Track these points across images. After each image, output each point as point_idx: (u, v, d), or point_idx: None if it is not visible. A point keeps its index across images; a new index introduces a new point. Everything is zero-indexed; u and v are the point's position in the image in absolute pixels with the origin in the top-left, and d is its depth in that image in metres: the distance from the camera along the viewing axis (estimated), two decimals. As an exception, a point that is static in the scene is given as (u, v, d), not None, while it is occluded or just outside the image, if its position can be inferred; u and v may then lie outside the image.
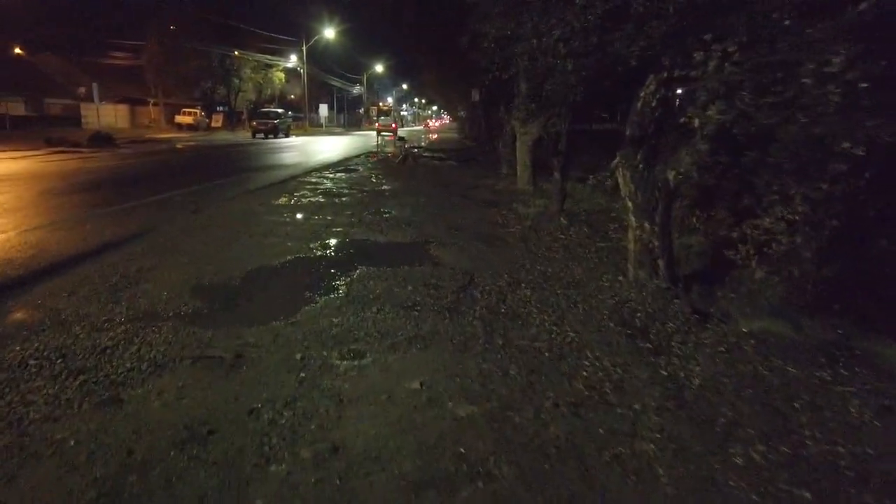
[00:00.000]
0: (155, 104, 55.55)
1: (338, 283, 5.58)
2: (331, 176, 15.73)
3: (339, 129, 69.89)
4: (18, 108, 47.14)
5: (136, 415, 3.04)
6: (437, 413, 3.07)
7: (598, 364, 3.73)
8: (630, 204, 5.52)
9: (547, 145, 14.52)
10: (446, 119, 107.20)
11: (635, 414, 3.06)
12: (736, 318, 4.74)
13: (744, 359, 3.85)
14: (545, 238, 7.99)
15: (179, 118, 52.17)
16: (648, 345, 4.08)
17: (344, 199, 11.45)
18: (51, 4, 53.85)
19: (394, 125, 50.80)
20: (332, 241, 7.45)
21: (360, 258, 6.58)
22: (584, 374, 3.58)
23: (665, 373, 3.59)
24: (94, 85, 32.91)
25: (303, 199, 11.10)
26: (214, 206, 9.94)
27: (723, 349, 4.03)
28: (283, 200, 10.90)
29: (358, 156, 24.40)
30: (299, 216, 9.26)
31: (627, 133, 5.57)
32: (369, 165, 19.60)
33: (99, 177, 14.05)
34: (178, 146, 28.91)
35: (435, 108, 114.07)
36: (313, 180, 14.53)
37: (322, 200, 11.09)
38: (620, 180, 5.59)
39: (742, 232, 5.42)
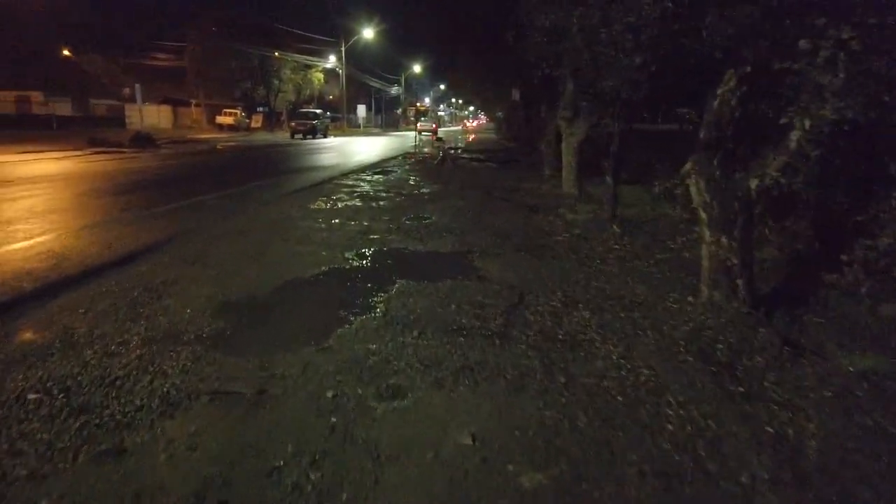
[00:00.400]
0: (197, 105, 56.36)
1: (374, 300, 5.07)
2: (368, 178, 15.32)
3: (376, 130, 69.92)
4: (65, 109, 48.29)
5: (137, 473, 2.57)
6: (495, 482, 2.51)
7: (683, 413, 3.12)
8: (704, 215, 4.87)
9: (594, 147, 13.85)
10: (483, 119, 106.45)
11: (745, 491, 2.45)
12: (834, 351, 4.07)
13: (861, 409, 3.20)
14: (598, 248, 7.36)
15: (220, 119, 52.78)
16: (739, 388, 3.45)
17: (381, 202, 10.98)
18: (96, 5, 54.98)
19: (434, 126, 53.19)
20: (369, 251, 6.96)
21: (398, 270, 6.07)
22: (670, 426, 2.99)
23: (770, 429, 2.96)
24: (137, 86, 33.22)
25: (339, 203, 10.67)
26: (249, 211, 9.57)
27: (830, 394, 3.38)
28: (319, 204, 10.48)
29: (395, 157, 24.00)
30: (335, 221, 8.80)
31: (701, 136, 4.92)
32: (407, 167, 19.16)
33: (136, 178, 13.89)
34: (218, 147, 28.98)
35: (472, 108, 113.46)
36: (350, 183, 14.12)
37: (359, 204, 10.64)
38: (693, 189, 4.95)
39: (846, 249, 4.72)
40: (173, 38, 56.22)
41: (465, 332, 4.32)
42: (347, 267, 6.20)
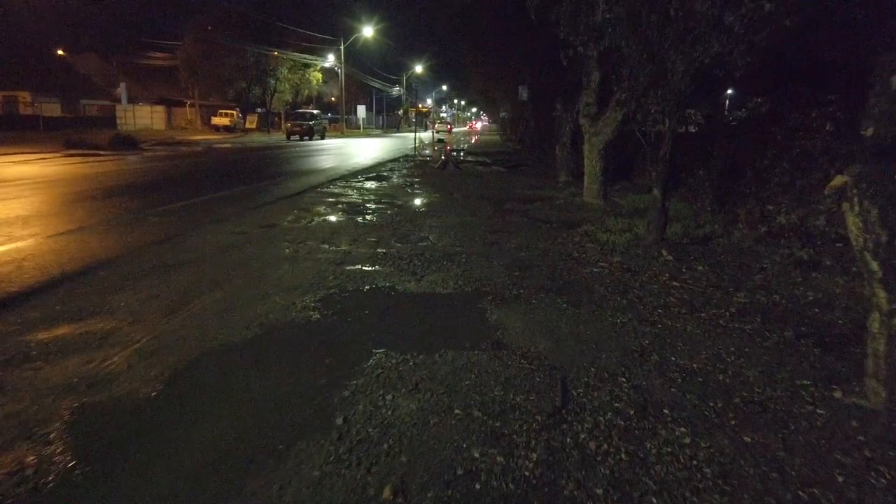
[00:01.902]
0: (191, 105, 54.59)
1: (328, 398, 3.15)
2: (359, 185, 13.40)
3: (377, 132, 68.15)
4: (54, 110, 46.53)
5: None
6: None
7: None
8: (875, 265, 2.94)
9: (618, 149, 11.92)
10: (486, 121, 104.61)
11: None
12: None
13: None
14: (652, 287, 5.45)
15: (216, 120, 51.01)
16: None
17: (369, 217, 9.06)
18: (92, 3, 53.28)
19: (449, 126, 62.48)
20: (340, 294, 5.05)
21: (376, 331, 4.16)
22: None
23: None
24: (122, 85, 31.61)
25: (317, 219, 8.76)
26: (201, 230, 7.66)
27: None
28: (292, 220, 8.57)
29: (394, 160, 22.10)
30: (305, 245, 6.90)
31: (868, 133, 2.99)
32: (405, 172, 17.25)
33: (92, 186, 12.00)
34: (207, 149, 27.16)
35: (475, 109, 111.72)
36: (337, 191, 12.21)
37: (341, 220, 8.73)
38: (851, 219, 3.02)
39: None
40: (170, 36, 54.55)
41: (480, 478, 2.41)
42: (300, 325, 4.28)
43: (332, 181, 14.01)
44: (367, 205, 10.34)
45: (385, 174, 16.23)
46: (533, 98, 22.06)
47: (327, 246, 6.85)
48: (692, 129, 19.02)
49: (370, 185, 13.51)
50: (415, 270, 5.86)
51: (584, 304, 4.91)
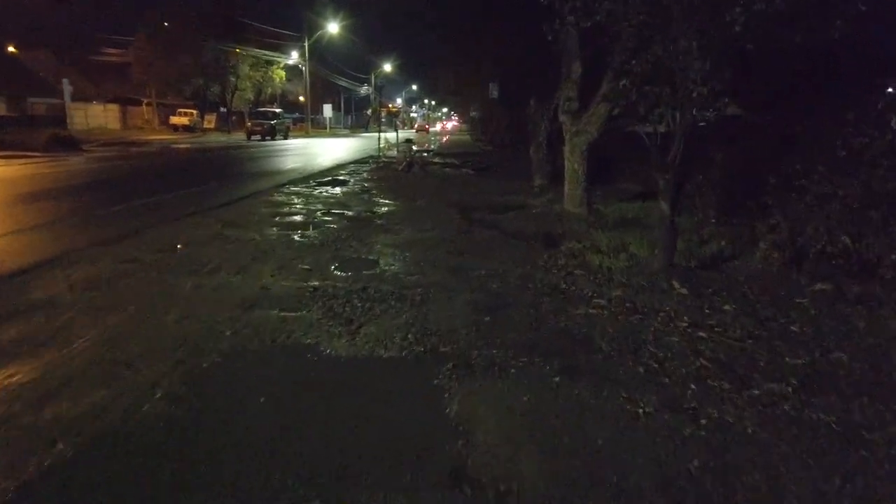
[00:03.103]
0: (148, 104, 52.00)
1: None
2: (310, 191, 11.78)
3: (344, 132, 66.24)
4: (-1, 108, 43.69)
5: None
6: None
7: None
8: None
9: (601, 150, 10.52)
10: (457, 121, 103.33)
11: None
12: None
13: None
14: (671, 340, 4.01)
15: (174, 119, 48.58)
16: None
17: (311, 233, 7.49)
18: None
19: (426, 126, 64.49)
20: (228, 365, 3.50)
21: (256, 451, 2.62)
22: None
23: None
24: (65, 81, 29.29)
25: (245, 236, 7.15)
26: (73, 258, 6.01)
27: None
28: (207, 239, 6.97)
29: (356, 161, 20.49)
30: (213, 279, 5.31)
31: None
32: (365, 175, 15.66)
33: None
34: (157, 150, 25.19)
35: (445, 109, 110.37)
36: (281, 198, 10.57)
37: (273, 238, 7.14)
38: None
39: None
40: (125, 31, 51.88)
41: None
42: (135, 439, 2.71)
43: (280, 186, 12.36)
44: (313, 216, 8.75)
45: (343, 178, 14.61)
46: (504, 96, 20.63)
47: (241, 278, 5.27)
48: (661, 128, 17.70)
49: (323, 190, 11.89)
50: (351, 316, 4.33)
51: (583, 375, 3.43)
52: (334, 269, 5.70)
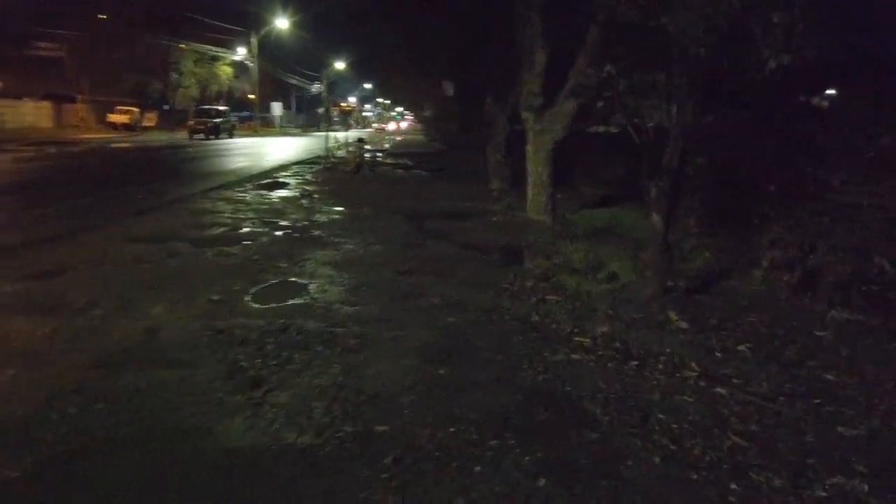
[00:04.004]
0: (84, 101, 49.07)
1: None
2: (243, 196, 10.50)
3: (295, 131, 64.15)
4: (-86, 106, 40.37)
5: None
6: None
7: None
8: None
9: (565, 147, 9.60)
10: (412, 120, 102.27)
11: None
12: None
13: None
14: (684, 402, 3.06)
15: (113, 117, 45.73)
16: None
17: (231, 249, 6.29)
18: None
19: (383, 126, 61.07)
20: (51, 471, 2.34)
21: None
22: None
23: None
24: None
25: (149, 255, 5.90)
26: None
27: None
28: (97, 261, 5.70)
29: (302, 162, 19.15)
30: (84, 316, 4.10)
31: None
32: (309, 177, 14.40)
33: None
34: (88, 150, 23.27)
35: (400, 108, 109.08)
36: (207, 205, 9.27)
37: (184, 255, 5.93)
38: None
39: None
40: (60, 24, 48.75)
41: None
42: None
43: (212, 190, 11.02)
44: (240, 228, 7.53)
45: (284, 180, 13.33)
46: (460, 93, 19.65)
47: (122, 317, 4.06)
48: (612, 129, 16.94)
49: (259, 195, 10.63)
50: (259, 375, 3.21)
51: (579, 472, 2.41)
52: (250, 300, 4.55)
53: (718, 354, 3.63)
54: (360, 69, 69.63)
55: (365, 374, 3.29)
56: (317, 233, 7.39)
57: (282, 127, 64.93)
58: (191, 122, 37.62)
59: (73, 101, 49.16)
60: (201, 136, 35.45)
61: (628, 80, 4.28)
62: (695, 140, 4.38)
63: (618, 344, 3.79)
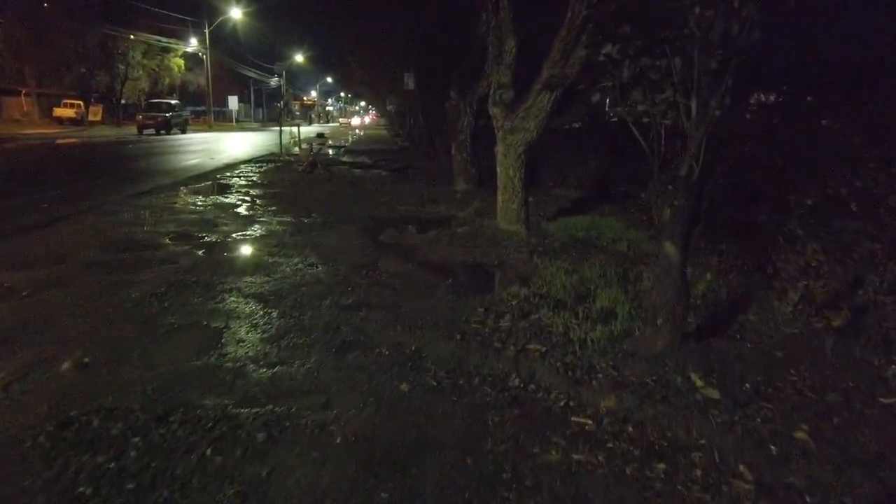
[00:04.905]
0: (27, 95, 46.24)
1: None
2: (170, 202, 9.19)
3: (254, 125, 62.22)
4: None
5: None
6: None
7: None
8: None
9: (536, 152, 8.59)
10: (375, 115, 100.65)
11: None
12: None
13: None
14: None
15: (59, 111, 43.22)
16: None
17: (136, 276, 5.07)
18: None
19: (349, 121, 59.69)
20: None
21: None
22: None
23: None
24: None
25: (14, 294, 4.65)
26: None
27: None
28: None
29: (253, 160, 17.77)
30: None
31: None
32: (257, 177, 13.10)
33: None
34: (13, 147, 21.40)
35: (363, 103, 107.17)
36: (126, 216, 7.95)
37: (66, 286, 4.68)
38: None
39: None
40: (-2, 12, 45.83)
41: None
42: None
43: (139, 195, 9.68)
44: (156, 246, 6.29)
45: (227, 181, 12.02)
46: (422, 86, 18.53)
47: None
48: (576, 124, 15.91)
49: (191, 201, 9.33)
50: (99, 515, 2.07)
51: None
52: (136, 361, 3.38)
53: (772, 448, 2.61)
54: (321, 62, 67.83)
55: (274, 498, 2.18)
56: (249, 251, 6.20)
57: (239, 122, 62.85)
58: (139, 117, 35.64)
59: (15, 94, 46.39)
60: (151, 131, 33.69)
61: (634, 65, 3.20)
62: (717, 141, 3.35)
63: (631, 429, 2.75)
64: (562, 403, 3.00)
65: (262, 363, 3.40)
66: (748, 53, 2.97)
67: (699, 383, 3.13)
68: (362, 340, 3.80)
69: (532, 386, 3.19)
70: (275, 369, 3.33)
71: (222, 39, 54.36)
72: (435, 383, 3.20)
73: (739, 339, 3.90)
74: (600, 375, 3.27)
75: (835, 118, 4.19)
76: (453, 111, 11.57)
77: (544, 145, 9.63)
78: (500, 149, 7.42)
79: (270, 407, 2.89)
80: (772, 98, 5.07)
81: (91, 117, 42.29)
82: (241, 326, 3.97)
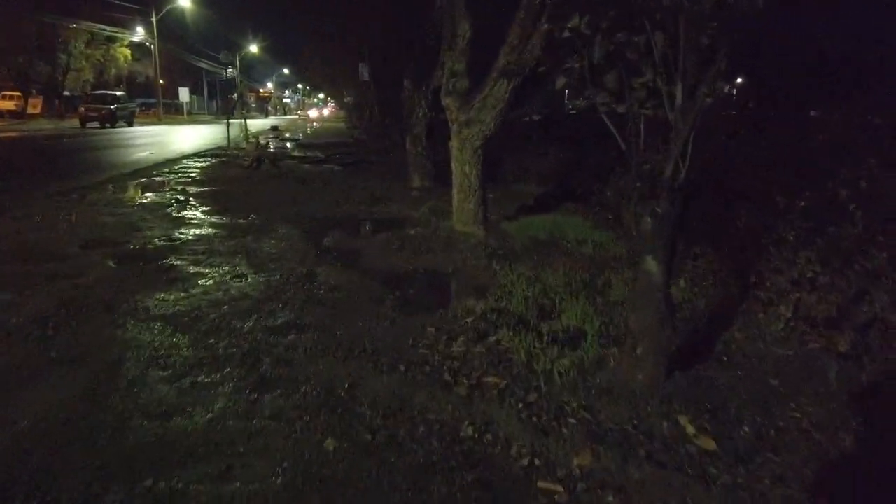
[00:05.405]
0: (-39, 86, 43.65)
1: None
2: (96, 201, 8.30)
3: (207, 118, 60.13)
4: None
5: None
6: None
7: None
8: None
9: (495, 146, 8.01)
10: (334, 107, 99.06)
11: None
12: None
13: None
14: None
15: (-2, 103, 40.93)
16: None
17: (21, 298, 4.28)
18: None
19: (308, 113, 56.97)
20: None
21: None
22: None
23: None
24: None
25: None
26: None
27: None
28: None
29: (197, 154, 16.78)
30: None
31: None
32: (196, 173, 12.19)
33: None
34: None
35: (322, 95, 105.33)
36: (33, 220, 7.08)
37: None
38: None
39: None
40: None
41: None
42: None
43: (62, 194, 8.74)
44: (60, 257, 5.48)
45: (162, 178, 11.11)
46: (377, 77, 17.80)
47: None
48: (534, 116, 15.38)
49: (118, 200, 8.45)
50: None
51: None
52: (-18, 417, 2.65)
53: (791, 522, 2.06)
54: (278, 53, 66.12)
55: None
56: (171, 259, 5.45)
57: (191, 114, 60.74)
58: (82, 109, 33.83)
59: (-50, 86, 43.75)
60: (95, 124, 31.99)
61: (607, 42, 2.61)
62: (704, 134, 2.79)
63: (612, 499, 2.17)
64: (525, 462, 2.40)
65: (153, 414, 2.72)
66: (747, 27, 2.41)
67: (690, 430, 2.57)
68: (285, 376, 3.14)
69: (489, 436, 2.59)
70: (169, 423, 2.65)
71: (172, 29, 52.37)
72: (369, 437, 2.57)
73: (727, 362, 3.38)
74: (571, 420, 2.69)
75: (828, 108, 3.68)
76: (408, 102, 10.91)
77: (503, 138, 9.08)
78: (454, 143, 6.80)
79: (150, 482, 2.22)
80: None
81: (30, 110, 40.06)
82: (137, 361, 3.27)
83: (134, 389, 2.95)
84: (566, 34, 2.73)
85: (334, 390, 3.00)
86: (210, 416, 2.72)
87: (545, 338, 3.57)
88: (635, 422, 2.65)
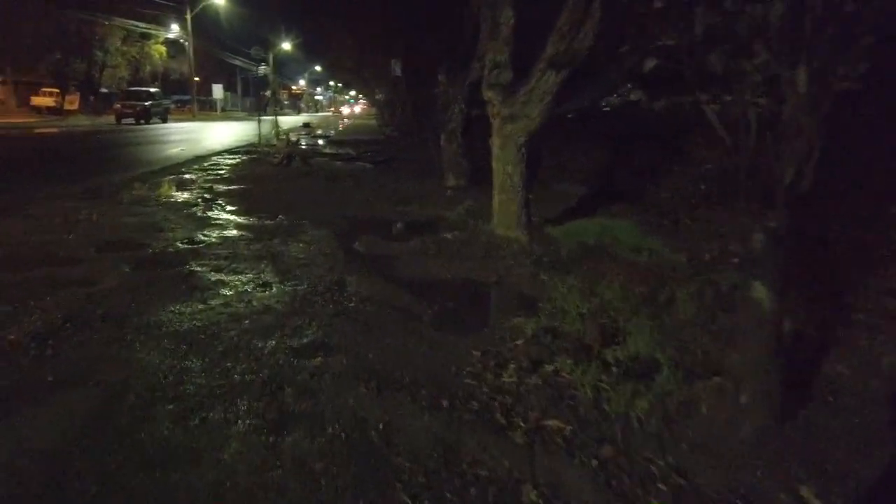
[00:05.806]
0: (4, 83, 44.49)
1: None
2: (121, 200, 8.00)
3: (240, 115, 60.57)
4: None
5: None
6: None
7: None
8: None
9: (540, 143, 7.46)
10: (366, 104, 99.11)
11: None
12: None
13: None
14: None
15: (38, 100, 41.54)
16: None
17: (21, 310, 3.90)
18: None
19: (341, 110, 59.31)
20: None
21: None
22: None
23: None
24: None
25: None
26: None
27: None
28: None
29: (227, 151, 16.58)
30: None
31: None
32: (225, 170, 11.89)
33: None
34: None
35: (353, 92, 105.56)
36: (55, 219, 6.78)
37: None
38: None
39: None
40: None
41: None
42: None
43: (87, 192, 8.47)
44: (73, 261, 5.12)
45: (192, 175, 10.82)
46: (409, 72, 17.31)
47: None
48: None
49: (144, 198, 8.13)
50: None
51: None
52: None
53: None
54: (310, 50, 66.17)
55: None
56: (191, 264, 5.04)
57: (225, 111, 61.19)
58: (118, 106, 34.25)
59: (-8, 83, 44.66)
60: (130, 120, 32.33)
61: (713, 16, 2.07)
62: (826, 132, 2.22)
63: None
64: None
65: (151, 463, 2.27)
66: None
67: (816, 505, 2.02)
68: (309, 412, 2.68)
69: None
70: (168, 477, 2.19)
71: (207, 26, 52.71)
72: (409, 501, 2.08)
73: (833, 403, 2.81)
74: (661, 487, 2.16)
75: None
76: (443, 97, 10.41)
77: (543, 133, 8.53)
78: (496, 140, 6.28)
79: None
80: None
81: (68, 106, 40.66)
82: (141, 391, 2.83)
83: (133, 428, 2.51)
84: (658, 3, 2.19)
85: (366, 432, 2.52)
86: (218, 469, 2.26)
87: (612, 369, 3.04)
88: (743, 491, 2.11)
